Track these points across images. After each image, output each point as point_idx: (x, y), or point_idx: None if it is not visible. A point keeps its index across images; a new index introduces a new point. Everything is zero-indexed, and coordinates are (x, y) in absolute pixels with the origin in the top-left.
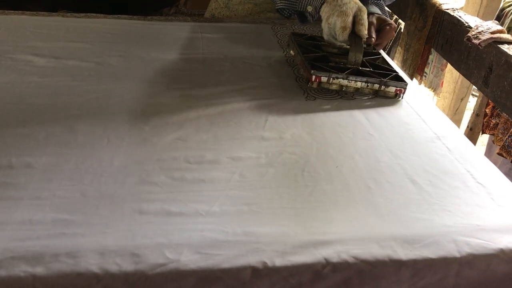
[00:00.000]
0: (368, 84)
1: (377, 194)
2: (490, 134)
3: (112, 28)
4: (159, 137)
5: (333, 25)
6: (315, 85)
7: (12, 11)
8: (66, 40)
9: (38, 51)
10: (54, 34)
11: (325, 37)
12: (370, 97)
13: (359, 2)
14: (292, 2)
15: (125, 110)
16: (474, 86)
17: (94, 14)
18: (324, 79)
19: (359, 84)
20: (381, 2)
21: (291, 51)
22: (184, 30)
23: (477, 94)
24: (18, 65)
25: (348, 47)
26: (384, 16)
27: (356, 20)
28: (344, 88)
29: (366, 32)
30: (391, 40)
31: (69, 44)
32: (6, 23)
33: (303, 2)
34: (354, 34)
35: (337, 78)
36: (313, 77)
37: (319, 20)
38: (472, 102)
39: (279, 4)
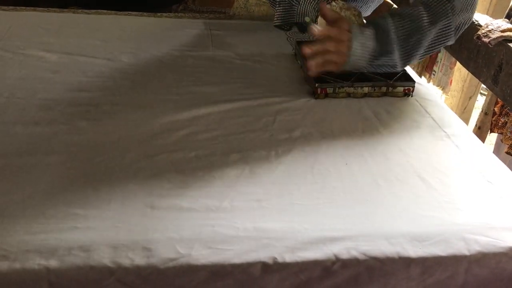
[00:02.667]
0: (375, 88)
1: (387, 191)
2: (498, 133)
3: (123, 24)
4: (170, 133)
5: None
6: (322, 97)
7: (24, 7)
8: (78, 36)
9: (50, 47)
10: (65, 30)
11: None
12: (380, 95)
13: (352, 8)
14: (288, 17)
15: (136, 106)
16: (482, 85)
17: (105, 11)
18: (330, 90)
19: (366, 89)
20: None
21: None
22: (193, 27)
23: (486, 93)
24: (30, 60)
25: None
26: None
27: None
28: (352, 95)
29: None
30: None
31: (80, 40)
32: (18, 19)
33: (300, 14)
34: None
35: (343, 87)
36: (319, 90)
37: None
38: (480, 101)
39: (275, 22)
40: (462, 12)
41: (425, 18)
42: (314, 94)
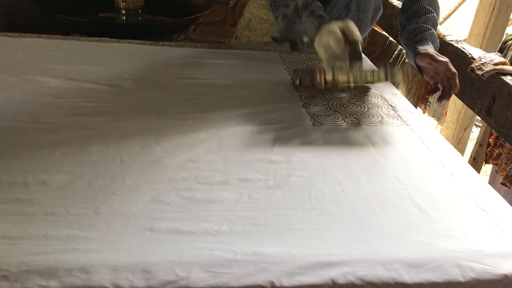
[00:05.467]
0: (374, 73)
1: (383, 217)
2: (493, 164)
3: (125, 52)
4: (170, 158)
5: (327, 43)
6: (322, 86)
7: (29, 34)
8: (81, 63)
9: (54, 72)
10: (69, 56)
11: (326, 63)
12: (376, 124)
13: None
14: (288, 33)
15: (137, 131)
16: (477, 117)
17: (107, 39)
18: (329, 76)
19: (366, 76)
20: (427, 27)
21: (296, 81)
22: (194, 56)
23: (480, 125)
24: (34, 86)
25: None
26: (431, 51)
27: (346, 32)
28: (352, 83)
29: (358, 34)
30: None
31: (83, 67)
32: (22, 45)
33: (300, 32)
34: (348, 43)
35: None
36: (318, 76)
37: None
38: (475, 133)
39: (274, 34)
40: None
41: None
42: (313, 85)
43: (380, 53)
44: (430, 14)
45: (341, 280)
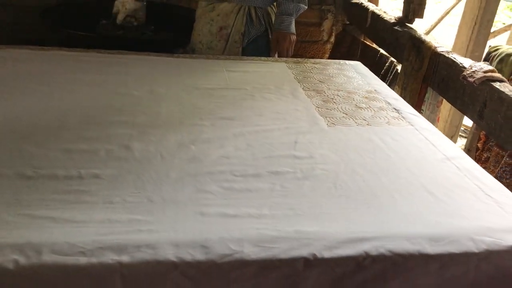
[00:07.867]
0: None
1: (402, 203)
2: (482, 168)
3: (144, 63)
4: (205, 155)
5: None
6: None
7: (50, 47)
8: (105, 73)
9: (83, 81)
10: (91, 67)
11: None
12: (384, 125)
13: None
14: None
15: (172, 131)
16: (461, 128)
17: (126, 52)
18: None
19: None
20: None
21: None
22: (208, 66)
23: (465, 135)
24: (68, 94)
25: None
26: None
27: None
28: None
29: None
30: (388, 80)
31: (107, 77)
32: (45, 58)
33: None
34: None
35: None
36: None
37: None
38: (459, 143)
39: None
40: None
41: None
42: None
43: (372, 66)
44: None
45: (374, 252)
